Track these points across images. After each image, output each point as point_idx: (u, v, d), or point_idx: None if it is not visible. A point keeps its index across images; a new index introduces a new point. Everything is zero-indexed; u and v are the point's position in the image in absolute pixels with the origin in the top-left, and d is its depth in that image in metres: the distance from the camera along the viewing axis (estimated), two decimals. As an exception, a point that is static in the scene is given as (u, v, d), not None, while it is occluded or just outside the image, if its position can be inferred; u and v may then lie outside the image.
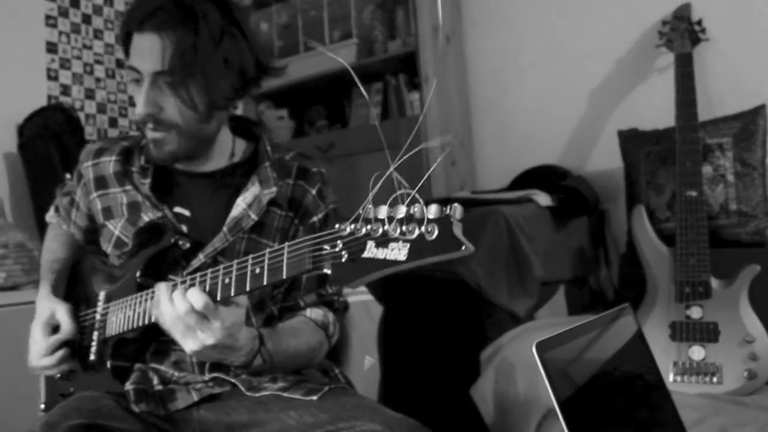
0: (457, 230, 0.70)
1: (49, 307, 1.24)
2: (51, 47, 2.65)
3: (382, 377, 1.82)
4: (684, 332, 1.66)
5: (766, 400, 1.51)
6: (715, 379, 1.60)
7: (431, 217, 0.70)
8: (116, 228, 1.25)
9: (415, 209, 0.72)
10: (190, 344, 0.99)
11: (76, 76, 2.72)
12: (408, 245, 0.71)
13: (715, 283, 1.68)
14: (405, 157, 0.78)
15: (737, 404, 1.49)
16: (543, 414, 1.54)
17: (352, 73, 0.87)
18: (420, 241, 0.71)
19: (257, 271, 0.90)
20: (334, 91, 3.03)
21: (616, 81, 2.42)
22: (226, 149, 1.27)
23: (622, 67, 2.41)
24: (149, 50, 1.10)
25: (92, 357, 1.20)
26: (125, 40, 1.15)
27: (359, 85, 0.87)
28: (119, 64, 2.88)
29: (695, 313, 1.67)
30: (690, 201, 1.76)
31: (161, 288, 1.01)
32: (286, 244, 0.87)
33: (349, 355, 1.44)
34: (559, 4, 2.55)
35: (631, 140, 2.14)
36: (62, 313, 1.23)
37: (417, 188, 0.73)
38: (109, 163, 1.28)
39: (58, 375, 1.27)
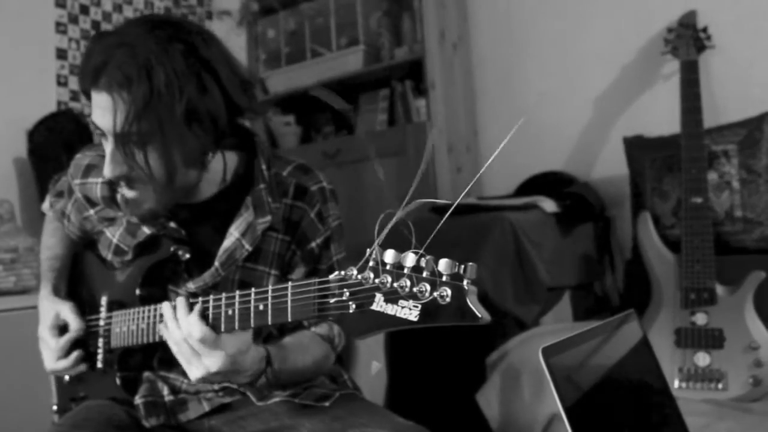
0: (472, 299, 0.67)
1: (53, 308, 1.23)
2: (61, 53, 2.67)
3: (388, 382, 1.82)
4: (689, 338, 1.67)
5: (771, 406, 1.51)
6: (720, 386, 1.60)
7: (443, 271, 0.68)
8: (114, 236, 1.21)
9: (425, 261, 0.69)
10: (194, 371, 0.97)
11: (85, 82, 2.74)
12: (419, 307, 0.69)
13: (720, 289, 1.68)
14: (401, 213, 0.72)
15: (742, 411, 1.49)
16: (548, 420, 1.55)
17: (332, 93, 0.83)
18: (432, 304, 0.68)
19: (261, 308, 0.89)
20: (340, 97, 3.05)
21: (622, 88, 2.43)
22: (217, 175, 1.14)
23: (627, 74, 2.42)
24: (104, 110, 0.99)
25: (100, 365, 1.20)
26: (85, 92, 1.04)
27: (333, 103, 0.84)
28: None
29: (700, 319, 1.67)
30: (695, 207, 1.77)
31: (166, 310, 0.99)
32: (290, 284, 0.85)
33: (356, 360, 1.45)
34: (565, 12, 2.57)
35: (636, 147, 2.15)
36: (67, 312, 1.21)
37: (425, 245, 0.70)
38: (96, 186, 1.20)
39: (67, 378, 1.28)
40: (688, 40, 2.03)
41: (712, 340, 1.64)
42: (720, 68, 2.18)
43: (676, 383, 1.63)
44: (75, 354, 1.19)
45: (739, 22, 2.18)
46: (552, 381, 0.76)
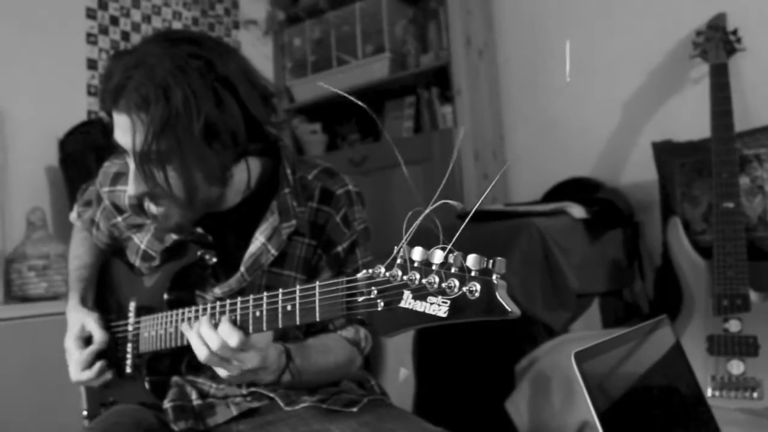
0: (502, 293, 0.66)
1: (79, 320, 1.24)
2: (91, 64, 2.72)
3: (416, 389, 1.82)
4: (722, 346, 1.64)
5: (808, 415, 1.48)
6: (755, 394, 1.56)
7: (471, 267, 0.67)
8: (142, 242, 1.22)
9: (453, 257, 0.68)
10: (225, 373, 0.98)
11: (115, 92, 2.78)
12: (449, 303, 0.68)
13: (753, 296, 1.65)
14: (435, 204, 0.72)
15: (779, 420, 1.46)
16: (578, 427, 1.53)
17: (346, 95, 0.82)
18: (461, 299, 0.67)
19: (288, 308, 0.89)
20: (366, 104, 3.05)
21: (650, 92, 2.40)
22: (242, 184, 1.14)
23: (656, 78, 2.39)
24: (124, 130, 1.01)
25: (128, 370, 1.21)
26: (107, 112, 1.06)
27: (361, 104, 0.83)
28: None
29: (734, 326, 1.64)
30: (727, 212, 1.74)
31: (193, 332, 0.99)
32: (318, 283, 0.85)
33: (384, 367, 1.44)
34: (592, 16, 2.55)
35: (665, 152, 2.12)
36: (92, 324, 1.22)
37: (453, 241, 0.69)
38: (124, 194, 1.21)
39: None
40: (717, 42, 2.01)
41: (746, 347, 1.61)
42: (751, 71, 2.15)
43: (709, 392, 1.60)
44: (98, 365, 1.20)
45: (770, 24, 2.15)
46: (585, 386, 0.75)
